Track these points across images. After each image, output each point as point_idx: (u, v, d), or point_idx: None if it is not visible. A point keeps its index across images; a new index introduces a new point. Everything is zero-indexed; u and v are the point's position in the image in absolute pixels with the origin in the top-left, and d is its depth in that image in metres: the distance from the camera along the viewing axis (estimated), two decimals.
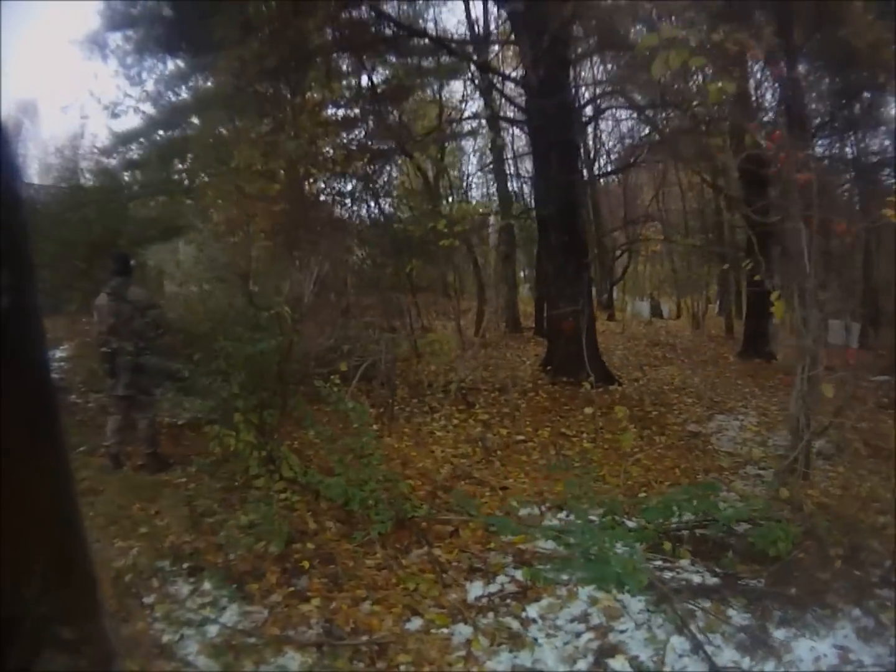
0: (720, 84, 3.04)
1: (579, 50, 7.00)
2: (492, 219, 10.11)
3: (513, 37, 7.14)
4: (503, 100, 9.04)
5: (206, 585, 2.70)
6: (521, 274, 14.89)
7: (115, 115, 6.29)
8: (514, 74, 8.35)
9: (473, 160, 9.38)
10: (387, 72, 6.97)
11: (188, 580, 2.76)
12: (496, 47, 9.34)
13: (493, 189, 11.22)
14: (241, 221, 4.65)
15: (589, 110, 8.28)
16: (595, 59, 7.99)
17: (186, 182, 4.98)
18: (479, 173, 11.10)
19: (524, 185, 13.47)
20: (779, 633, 2.33)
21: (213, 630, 2.41)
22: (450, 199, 9.63)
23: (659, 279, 16.86)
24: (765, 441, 5.41)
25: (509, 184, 11.05)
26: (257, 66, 5.01)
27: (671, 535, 3.05)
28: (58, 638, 0.51)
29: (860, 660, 2.16)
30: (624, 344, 9.88)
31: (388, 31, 6.70)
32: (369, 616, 2.59)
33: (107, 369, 4.13)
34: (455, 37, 8.89)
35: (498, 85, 8.57)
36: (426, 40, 6.88)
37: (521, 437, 4.92)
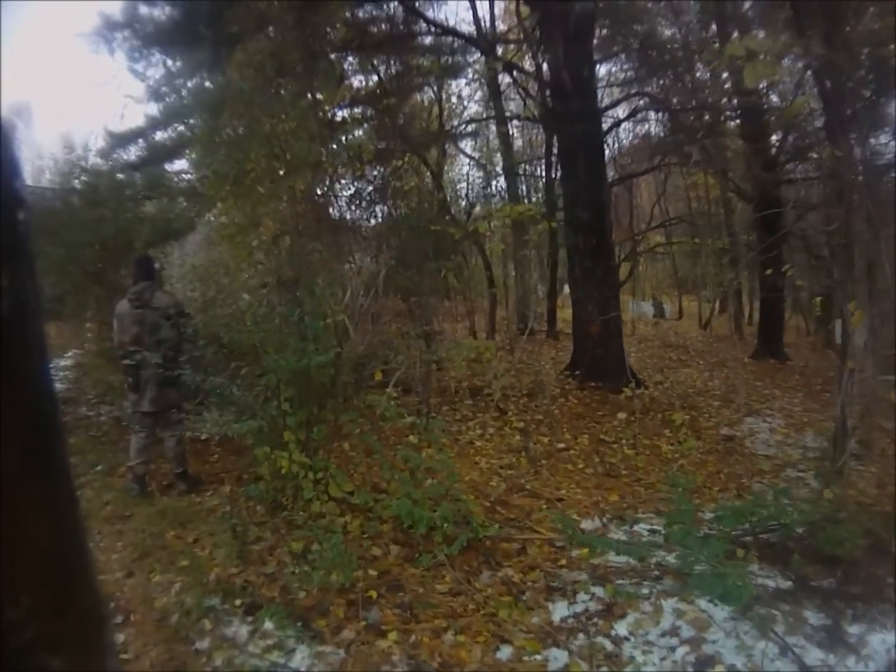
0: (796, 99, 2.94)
1: (604, 52, 6.92)
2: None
3: (537, 36, 7.01)
4: (525, 100, 8.90)
5: (267, 625, 2.45)
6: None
7: (158, 99, 5.99)
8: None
9: (500, 160, 9.18)
10: (411, 64, 6.74)
11: (245, 620, 2.51)
12: (507, 46, 9.25)
13: (496, 188, 11.02)
14: (291, 223, 4.38)
15: (613, 112, 8.21)
16: (621, 59, 7.90)
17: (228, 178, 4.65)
18: (482, 174, 10.91)
19: (523, 186, 13.37)
20: (853, 630, 2.40)
21: None
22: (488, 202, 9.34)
23: (659, 279, 17.00)
24: (797, 443, 5.38)
25: (519, 185, 10.95)
26: (276, 60, 4.78)
27: (736, 540, 3.02)
28: (43, 667, 0.45)
29: None
30: (636, 346, 9.83)
31: (401, 28, 6.51)
32: (455, 648, 2.41)
33: (130, 383, 3.80)
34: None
35: (526, 86, 8.44)
36: (456, 38, 6.70)
37: (561, 445, 4.78)
